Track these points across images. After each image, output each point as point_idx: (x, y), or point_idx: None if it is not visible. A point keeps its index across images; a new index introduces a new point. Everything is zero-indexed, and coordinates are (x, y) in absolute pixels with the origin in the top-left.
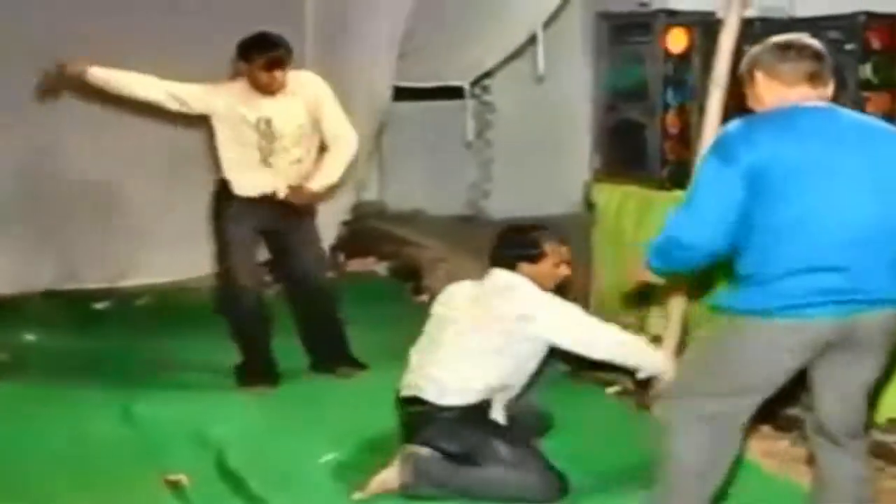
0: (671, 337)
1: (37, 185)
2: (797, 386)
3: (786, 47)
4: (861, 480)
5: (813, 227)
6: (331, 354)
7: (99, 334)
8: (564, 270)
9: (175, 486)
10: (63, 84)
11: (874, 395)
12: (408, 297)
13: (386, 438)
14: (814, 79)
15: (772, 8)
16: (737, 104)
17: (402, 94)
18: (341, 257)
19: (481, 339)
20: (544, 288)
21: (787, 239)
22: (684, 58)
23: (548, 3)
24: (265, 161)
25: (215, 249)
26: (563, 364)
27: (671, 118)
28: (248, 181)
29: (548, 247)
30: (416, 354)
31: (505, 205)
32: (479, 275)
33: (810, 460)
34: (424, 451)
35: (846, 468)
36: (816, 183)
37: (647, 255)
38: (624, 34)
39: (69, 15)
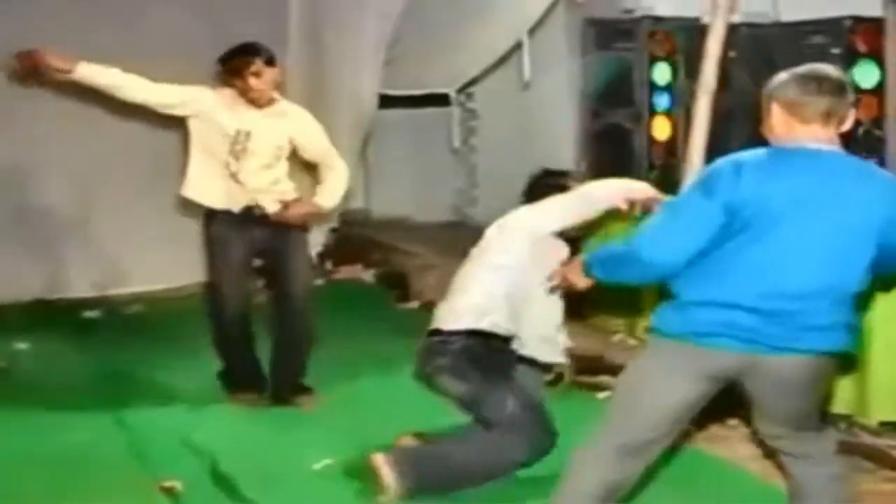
0: None
1: (25, 193)
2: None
3: (807, 80)
4: (834, 478)
5: (753, 271)
6: (287, 384)
7: (90, 342)
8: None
9: (169, 493)
10: (40, 75)
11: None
12: (394, 304)
13: (378, 444)
14: (829, 117)
15: (757, 13)
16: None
17: (387, 101)
18: (329, 265)
19: (483, 261)
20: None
21: (724, 273)
22: (670, 63)
23: (533, 9)
24: (233, 176)
25: (206, 267)
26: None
27: (657, 123)
28: (212, 190)
29: (574, 185)
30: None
31: (491, 211)
32: None
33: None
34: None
35: (816, 470)
36: (779, 231)
37: (589, 260)
38: (610, 40)
39: (43, 20)
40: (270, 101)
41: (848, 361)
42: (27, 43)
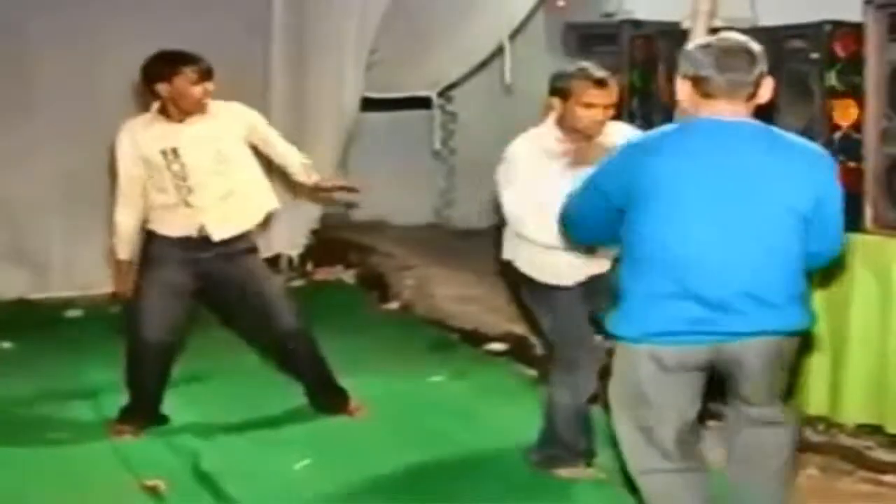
0: None
1: (7, 192)
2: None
3: (709, 53)
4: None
5: (678, 252)
6: (326, 390)
7: (73, 342)
8: (591, 113)
9: (152, 492)
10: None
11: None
12: (374, 305)
13: (358, 444)
14: (733, 92)
15: (737, 18)
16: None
17: (369, 104)
18: (309, 265)
19: None
20: (576, 128)
21: (656, 260)
22: (651, 67)
23: (514, 14)
24: (185, 202)
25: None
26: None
27: (637, 128)
28: (172, 229)
29: (575, 85)
30: None
31: (470, 213)
32: (445, 282)
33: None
34: None
35: (767, 432)
36: (690, 209)
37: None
38: (591, 44)
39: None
40: (206, 105)
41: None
42: (8, 42)
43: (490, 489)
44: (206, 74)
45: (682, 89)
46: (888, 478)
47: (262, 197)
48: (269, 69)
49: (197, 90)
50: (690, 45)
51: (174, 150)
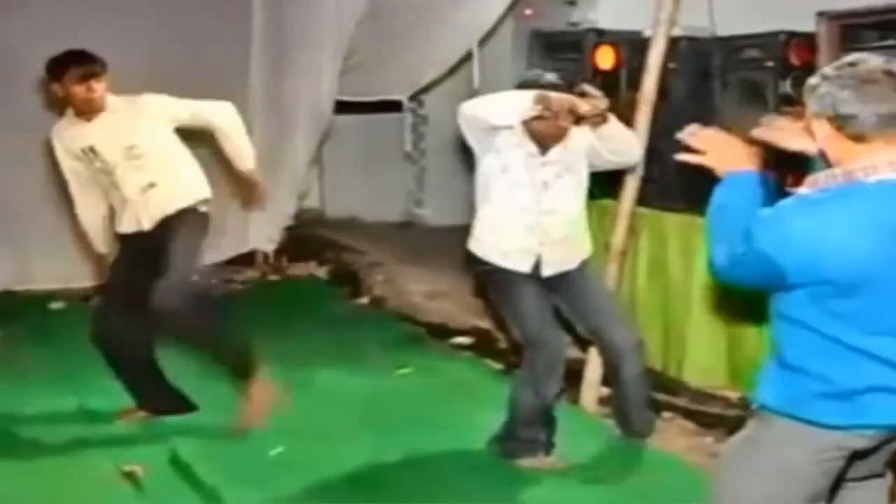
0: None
1: None
2: None
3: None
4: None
5: None
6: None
7: (55, 333)
8: (545, 126)
9: (130, 477)
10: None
11: None
12: (346, 299)
13: (320, 434)
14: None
15: (696, 28)
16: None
17: (342, 107)
18: (283, 261)
19: None
20: (534, 136)
21: None
22: (612, 74)
23: (483, 21)
24: (120, 199)
25: None
26: None
27: None
28: (121, 225)
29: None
30: None
31: (439, 212)
32: (415, 278)
33: None
34: None
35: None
36: None
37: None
38: (555, 51)
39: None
40: (101, 103)
41: None
42: None
43: (455, 479)
44: (88, 74)
45: (820, 133)
46: None
47: (189, 187)
48: (246, 75)
49: (80, 89)
50: (815, 76)
51: (91, 149)
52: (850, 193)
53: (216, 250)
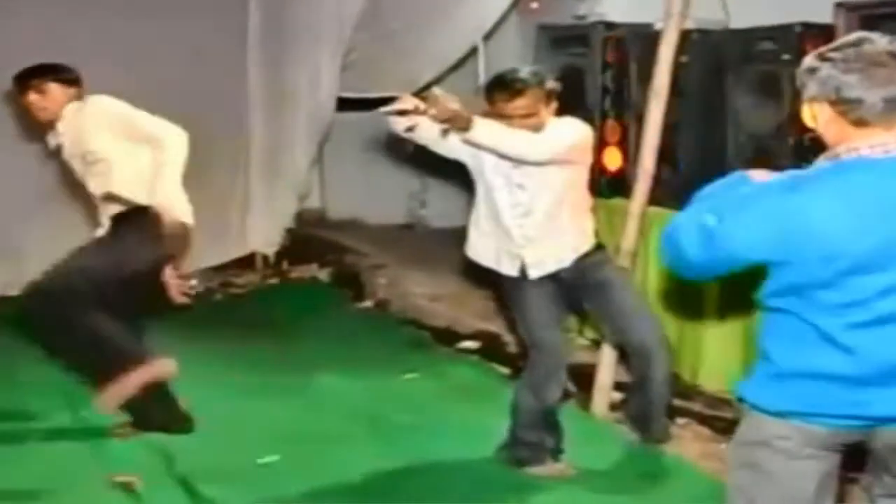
0: None
1: None
2: None
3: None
4: None
5: None
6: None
7: None
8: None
9: (126, 488)
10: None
11: None
12: (348, 303)
13: (324, 440)
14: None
15: (709, 20)
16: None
17: (344, 104)
18: (285, 264)
19: None
20: None
21: None
22: (622, 69)
23: (487, 16)
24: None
25: None
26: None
27: (609, 128)
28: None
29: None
30: None
31: (442, 214)
32: (419, 281)
33: None
34: None
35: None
36: None
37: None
38: (563, 46)
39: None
40: (46, 112)
41: None
42: None
43: (461, 487)
44: (26, 87)
45: (821, 116)
46: None
47: (132, 188)
48: (244, 72)
49: (26, 102)
50: (813, 57)
51: (59, 148)
52: (824, 173)
53: (215, 253)
